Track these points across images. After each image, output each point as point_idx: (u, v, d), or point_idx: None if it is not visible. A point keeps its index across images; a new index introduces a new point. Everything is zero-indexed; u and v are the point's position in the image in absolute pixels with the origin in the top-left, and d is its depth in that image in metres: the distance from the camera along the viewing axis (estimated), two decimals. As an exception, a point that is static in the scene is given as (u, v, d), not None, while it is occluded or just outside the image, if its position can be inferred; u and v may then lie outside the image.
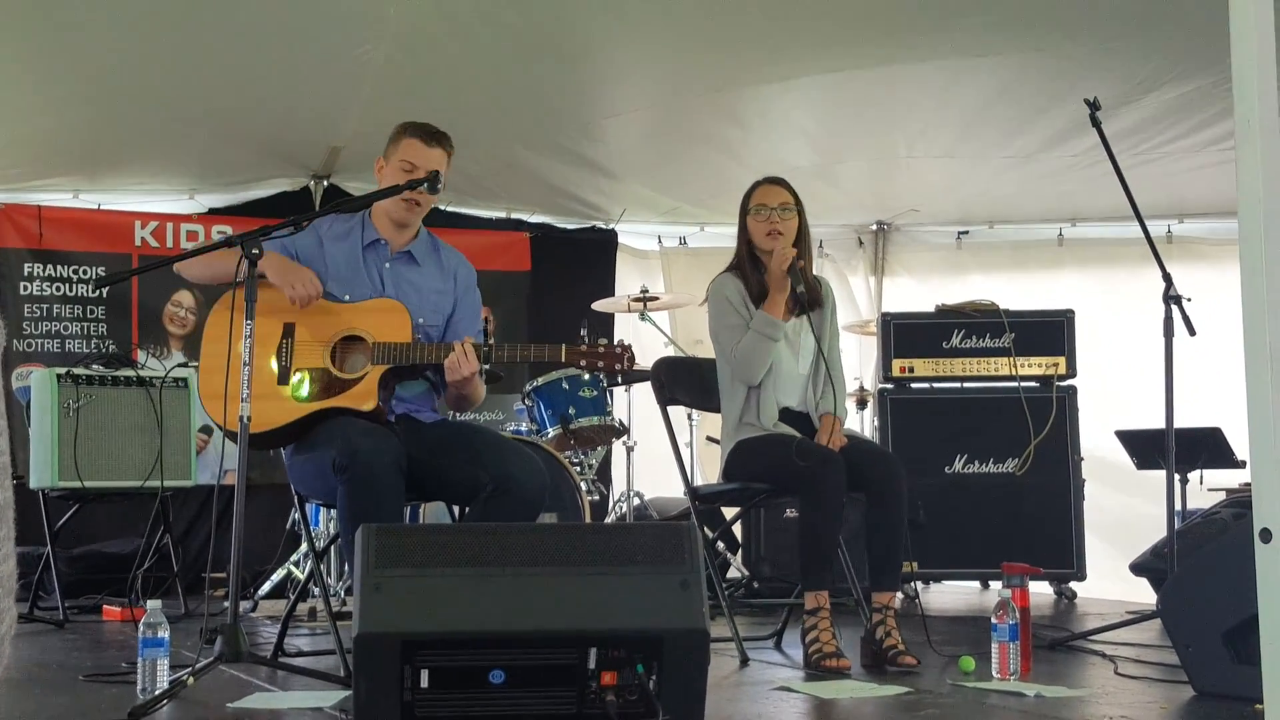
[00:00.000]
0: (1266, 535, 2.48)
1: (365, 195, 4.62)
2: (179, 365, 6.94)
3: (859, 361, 8.99)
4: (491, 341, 4.50)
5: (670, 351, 7.78)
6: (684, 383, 5.63)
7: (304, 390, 4.42)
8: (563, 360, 4.47)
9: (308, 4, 5.87)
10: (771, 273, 4.98)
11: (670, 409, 5.54)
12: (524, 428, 7.22)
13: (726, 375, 5.12)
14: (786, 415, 5.04)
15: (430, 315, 4.66)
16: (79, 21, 5.94)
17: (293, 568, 6.72)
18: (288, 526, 6.78)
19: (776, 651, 5.27)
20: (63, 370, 6.30)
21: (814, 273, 5.18)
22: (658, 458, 7.57)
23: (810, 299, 5.07)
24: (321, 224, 4.64)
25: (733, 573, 7.42)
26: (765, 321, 4.95)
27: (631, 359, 4.51)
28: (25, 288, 8.06)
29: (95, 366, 6.43)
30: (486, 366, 4.44)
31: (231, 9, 5.88)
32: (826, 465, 4.73)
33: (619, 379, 5.21)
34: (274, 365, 4.45)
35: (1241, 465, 6.98)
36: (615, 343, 4.56)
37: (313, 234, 4.61)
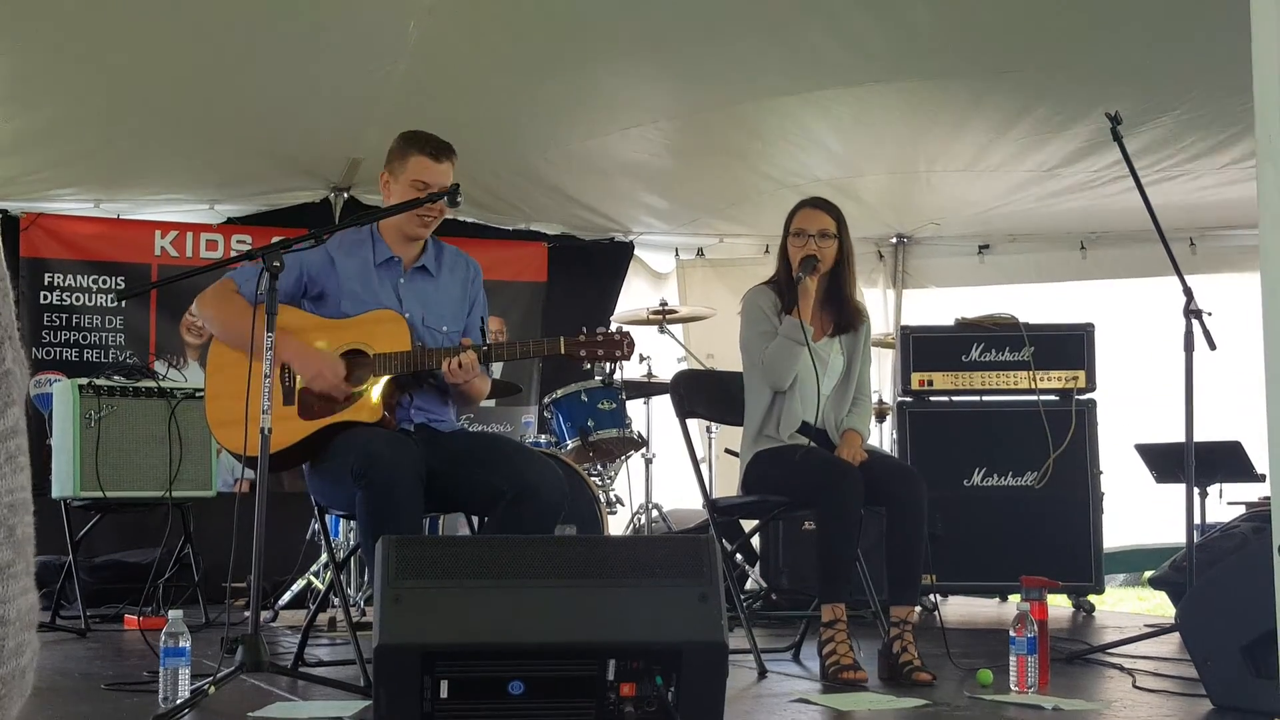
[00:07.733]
0: (1286, 550, 2.49)
1: (386, 209, 4.58)
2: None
3: (878, 375, 8.97)
4: (489, 344, 4.50)
5: (687, 364, 7.78)
6: (703, 395, 5.65)
7: (311, 408, 4.44)
8: (561, 352, 4.46)
9: (329, 19, 5.90)
10: (797, 284, 5.02)
11: (689, 421, 5.56)
12: (542, 440, 7.23)
13: (754, 385, 5.14)
14: (804, 430, 5.06)
15: (452, 322, 4.67)
16: (103, 34, 5.98)
17: (313, 578, 6.73)
18: (307, 537, 6.78)
19: (794, 663, 5.26)
20: (84, 381, 6.29)
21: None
22: (676, 470, 7.60)
23: (846, 321, 5.11)
24: (330, 243, 4.57)
25: (751, 585, 7.41)
26: (792, 326, 4.99)
27: (631, 345, 4.51)
28: (45, 296, 8.10)
29: (116, 377, 6.42)
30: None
31: (254, 24, 5.91)
32: (844, 478, 4.74)
33: (621, 367, 5.15)
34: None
35: (1261, 479, 6.96)
36: (614, 330, 4.53)
37: (322, 253, 4.55)
